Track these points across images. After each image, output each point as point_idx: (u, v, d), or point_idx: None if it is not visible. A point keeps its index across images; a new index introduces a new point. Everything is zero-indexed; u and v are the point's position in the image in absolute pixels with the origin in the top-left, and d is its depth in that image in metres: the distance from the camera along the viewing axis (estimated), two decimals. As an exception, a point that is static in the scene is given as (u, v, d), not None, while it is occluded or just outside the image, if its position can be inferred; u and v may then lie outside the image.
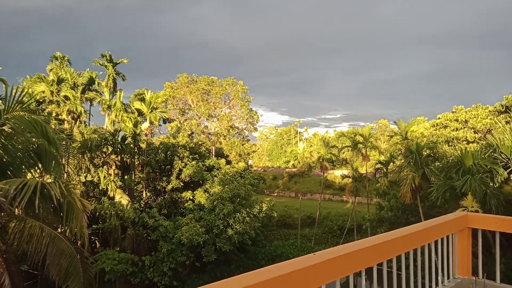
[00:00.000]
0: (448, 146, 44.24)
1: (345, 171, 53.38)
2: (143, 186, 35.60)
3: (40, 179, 10.76)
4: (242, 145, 63.56)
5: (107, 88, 39.32)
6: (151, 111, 35.42)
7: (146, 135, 37.06)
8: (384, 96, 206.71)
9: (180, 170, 34.01)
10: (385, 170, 39.61)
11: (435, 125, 51.75)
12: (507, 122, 30.80)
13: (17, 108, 10.82)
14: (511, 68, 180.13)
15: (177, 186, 33.51)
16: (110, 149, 33.73)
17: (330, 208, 49.92)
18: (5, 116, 10.56)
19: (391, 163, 39.23)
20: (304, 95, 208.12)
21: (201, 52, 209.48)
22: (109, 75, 39.45)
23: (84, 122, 41.14)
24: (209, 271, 29.66)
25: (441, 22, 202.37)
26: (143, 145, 36.75)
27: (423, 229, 3.51)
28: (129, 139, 34.95)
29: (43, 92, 35.12)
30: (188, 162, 34.39)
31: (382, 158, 43.66)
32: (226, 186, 31.58)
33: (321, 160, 44.70)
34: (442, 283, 3.86)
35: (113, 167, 34.07)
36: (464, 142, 45.27)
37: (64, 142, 14.60)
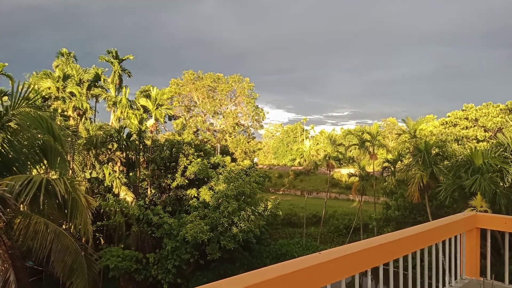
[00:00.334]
0: (458, 144, 43.91)
1: (352, 170, 53.18)
2: (148, 183, 35.73)
3: (45, 176, 10.79)
4: (248, 142, 63.59)
5: (113, 85, 39.45)
6: (157, 108, 35.49)
7: (151, 132, 37.15)
8: (392, 95, 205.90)
9: (185, 168, 34.07)
10: (392, 168, 39.37)
11: (445, 123, 51.34)
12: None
13: (23, 104, 10.86)
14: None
15: (182, 184, 33.58)
16: (115, 145, 33.88)
17: (336, 207, 49.81)
18: (11, 112, 10.60)
19: (399, 162, 39.00)
20: (310, 93, 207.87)
21: (205, 50, 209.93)
22: (115, 72, 39.57)
23: (90, 118, 41.35)
24: (213, 269, 29.71)
25: (446, 20, 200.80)
26: (148, 142, 36.85)
27: (431, 229, 3.45)
28: (135, 136, 35.07)
29: (49, 88, 35.30)
30: (193, 160, 34.44)
31: (389, 156, 43.40)
32: (231, 184, 31.58)
33: (327, 158, 44.58)
34: (449, 283, 3.80)
35: (118, 164, 34.23)
36: (474, 141, 44.87)
37: (69, 139, 14.62)
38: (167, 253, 28.74)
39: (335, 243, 40.82)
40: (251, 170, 38.21)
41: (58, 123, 21.55)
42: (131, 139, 34.64)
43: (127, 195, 32.33)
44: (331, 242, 41.32)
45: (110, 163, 34.08)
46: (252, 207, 31.71)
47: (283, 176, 74.01)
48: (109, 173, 32.41)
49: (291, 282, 1.99)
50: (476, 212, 4.20)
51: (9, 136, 10.77)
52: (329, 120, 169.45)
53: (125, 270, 27.80)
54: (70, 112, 35.98)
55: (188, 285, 28.84)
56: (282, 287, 1.94)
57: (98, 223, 29.63)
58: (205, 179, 34.03)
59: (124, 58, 40.29)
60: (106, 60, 39.89)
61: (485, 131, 46.36)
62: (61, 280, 11.13)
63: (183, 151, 35.10)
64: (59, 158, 11.65)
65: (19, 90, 10.79)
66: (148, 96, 37.94)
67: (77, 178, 25.18)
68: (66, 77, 36.74)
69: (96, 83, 41.11)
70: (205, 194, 32.03)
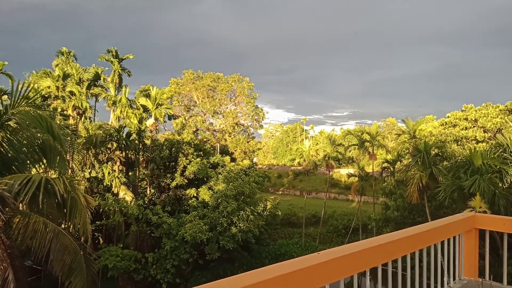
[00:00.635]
0: (457, 145, 43.96)
1: (351, 170, 53.20)
2: (147, 182, 35.71)
3: (45, 175, 10.78)
4: (247, 142, 63.57)
5: (113, 84, 39.44)
6: (156, 108, 35.47)
7: (151, 131, 37.13)
8: (392, 95, 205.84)
9: (185, 167, 34.06)
10: (392, 169, 39.41)
11: (444, 123, 51.37)
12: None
13: (23, 103, 10.86)
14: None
15: (181, 183, 33.56)
16: (115, 145, 33.87)
17: (336, 207, 49.83)
18: (11, 111, 10.60)
19: (398, 162, 39.05)
20: (309, 93, 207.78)
21: (205, 50, 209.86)
22: (114, 71, 39.56)
23: (89, 117, 41.34)
24: (212, 269, 29.71)
25: (447, 20, 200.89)
26: (148, 142, 36.83)
27: (430, 230, 3.46)
28: (134, 135, 35.05)
29: (49, 87, 35.30)
30: (193, 159, 34.43)
31: (389, 157, 43.43)
32: (231, 184, 31.57)
33: (327, 159, 44.60)
34: (448, 284, 3.81)
35: (118, 163, 34.21)
36: (473, 142, 44.90)
37: (69, 138, 14.62)
38: (166, 253, 28.73)
39: (334, 243, 40.83)
40: (251, 170, 38.20)
41: (58, 122, 21.54)
42: (131, 138, 34.63)
43: (126, 195, 32.31)
44: (330, 242, 41.33)
45: (109, 163, 34.07)
46: (251, 207, 31.71)
47: (283, 176, 74.01)
48: (109, 173, 32.38)
49: (290, 282, 1.99)
50: (475, 212, 4.21)
51: (8, 135, 10.77)
52: (329, 120, 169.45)
53: (124, 269, 27.79)
54: (69, 111, 35.97)
55: (187, 285, 28.83)
56: (282, 287, 1.94)
57: (97, 222, 29.62)
58: (205, 178, 34.02)
59: (124, 58, 40.28)
60: (106, 59, 39.87)
61: (484, 131, 46.40)
62: (60, 280, 11.14)
63: (183, 151, 35.08)
64: (58, 157, 11.65)
65: (19, 89, 10.79)
66: (147, 96, 37.91)
67: (76, 178, 25.14)
68: (66, 76, 36.73)
69: (96, 82, 41.08)
70: (204, 194, 32.02)
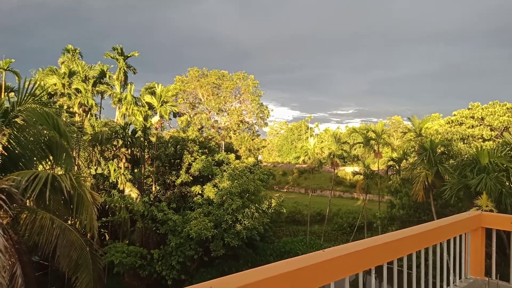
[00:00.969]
0: (463, 143, 43.68)
1: (357, 168, 53.06)
2: (153, 179, 35.86)
3: (51, 171, 10.87)
4: (252, 140, 63.58)
5: (118, 81, 39.61)
6: (162, 105, 35.57)
7: (156, 128, 37.26)
8: (397, 93, 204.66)
9: (190, 164, 34.14)
10: (397, 167, 39.24)
11: (450, 122, 51.04)
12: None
13: (30, 100, 10.94)
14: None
15: (187, 180, 33.66)
16: (121, 142, 34.03)
17: (340, 205, 49.72)
18: (18, 108, 10.68)
19: (404, 161, 38.86)
20: (314, 91, 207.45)
21: (209, 48, 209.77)
22: (120, 68, 39.72)
23: (95, 115, 41.59)
24: (217, 265, 29.80)
25: (451, 18, 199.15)
26: (153, 139, 36.97)
27: (436, 228, 3.44)
28: (139, 132, 35.19)
29: (55, 84, 35.51)
30: (198, 157, 34.49)
31: (394, 155, 43.24)
32: (235, 181, 31.60)
33: (332, 156, 44.50)
34: (453, 283, 3.79)
35: (123, 160, 34.39)
36: (480, 140, 44.56)
37: (75, 135, 14.71)
38: (171, 250, 28.86)
39: (339, 241, 40.76)
40: (255, 167, 38.20)
41: (64, 119, 21.68)
42: (136, 135, 34.78)
43: (132, 192, 32.49)
44: (335, 240, 41.27)
45: (115, 160, 34.25)
46: (256, 205, 31.74)
47: (287, 174, 73.95)
48: (114, 170, 32.57)
49: (295, 279, 1.99)
50: (482, 211, 4.18)
51: (15, 132, 10.86)
52: (334, 118, 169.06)
53: (129, 266, 27.97)
54: (75, 109, 36.21)
55: (192, 282, 28.93)
56: (286, 284, 1.95)
57: (103, 219, 29.80)
58: (210, 176, 34.09)
59: (129, 55, 40.42)
60: (111, 57, 40.05)
61: (491, 130, 46.03)
62: (66, 275, 11.24)
63: (188, 148, 35.16)
64: (64, 154, 11.73)
65: (26, 86, 10.87)
66: (153, 93, 38.04)
67: (82, 174, 25.33)
68: (71, 74, 36.94)
69: (102, 80, 41.30)
70: (209, 191, 32.09)
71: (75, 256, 10.22)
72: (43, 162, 12.10)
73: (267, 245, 34.95)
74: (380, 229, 37.10)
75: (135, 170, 37.19)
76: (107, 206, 30.08)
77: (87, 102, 36.23)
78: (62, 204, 10.97)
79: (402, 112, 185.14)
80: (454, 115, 51.43)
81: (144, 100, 37.69)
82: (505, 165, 20.99)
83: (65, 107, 34.54)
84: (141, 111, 35.58)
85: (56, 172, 11.66)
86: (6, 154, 10.78)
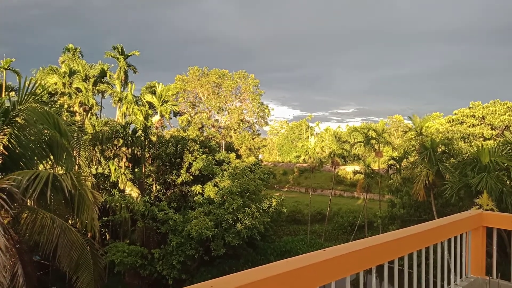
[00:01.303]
0: (464, 142, 43.62)
1: (357, 167, 53.05)
2: (153, 179, 35.87)
3: (52, 171, 10.87)
4: (253, 139, 63.55)
5: (119, 81, 39.60)
6: (162, 104, 35.56)
7: (156, 128, 37.27)
8: (398, 92, 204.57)
9: (190, 164, 34.15)
10: (398, 166, 39.21)
11: (451, 121, 51.02)
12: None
13: (30, 99, 10.93)
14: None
15: (187, 180, 33.66)
16: (121, 141, 34.04)
17: (341, 204, 49.73)
18: (18, 108, 10.67)
19: (405, 160, 38.84)
20: (315, 90, 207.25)
21: (210, 46, 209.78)
22: (120, 68, 39.70)
23: (96, 114, 41.61)
24: (218, 265, 29.82)
25: (453, 17, 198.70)
26: (154, 138, 36.98)
27: (436, 227, 3.44)
28: (140, 132, 35.19)
29: (55, 84, 35.52)
30: (198, 156, 34.50)
31: (395, 154, 43.20)
32: (236, 181, 31.60)
33: (332, 156, 44.48)
34: (454, 282, 3.79)
35: (124, 159, 34.38)
36: (481, 139, 44.52)
37: (75, 134, 14.70)
38: (172, 249, 28.89)
39: (339, 240, 40.77)
40: (256, 167, 38.19)
41: (64, 118, 21.65)
42: (137, 135, 34.78)
43: (132, 191, 32.50)
44: (335, 239, 41.28)
45: (115, 159, 34.24)
46: (257, 204, 31.74)
47: (288, 173, 73.96)
48: (115, 169, 32.58)
49: (295, 279, 1.99)
50: (482, 210, 4.17)
51: (16, 132, 10.86)
52: (334, 117, 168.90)
53: (130, 265, 28.01)
54: (76, 108, 36.22)
55: (192, 281, 28.94)
56: (287, 284, 1.95)
57: (104, 218, 29.80)
58: (210, 175, 34.09)
59: (129, 54, 40.40)
60: (112, 56, 40.03)
61: (492, 129, 46.01)
62: (67, 275, 11.25)
63: (188, 147, 35.16)
64: (65, 153, 11.74)
65: (26, 85, 10.86)
66: (153, 92, 38.03)
67: (83, 174, 25.32)
68: (72, 73, 36.94)
69: (102, 79, 41.30)
70: (210, 190, 32.10)
71: (76, 256, 10.23)
72: (43, 162, 12.11)
73: (267, 245, 34.96)
74: (380, 228, 37.11)
75: (136, 170, 37.20)
76: (107, 206, 30.11)
77: (88, 102, 36.24)
78: (63, 204, 10.98)
79: (403, 111, 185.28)
80: (455, 114, 51.40)
81: (144, 99, 37.69)
82: (506, 164, 20.99)
83: (66, 106, 34.54)
84: (141, 111, 35.58)
85: (56, 171, 11.66)
86: (6, 153, 10.78)
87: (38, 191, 9.04)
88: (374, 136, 41.81)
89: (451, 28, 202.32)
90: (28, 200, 10.18)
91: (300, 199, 53.54)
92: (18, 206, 9.95)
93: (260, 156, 71.18)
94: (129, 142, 33.78)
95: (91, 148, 32.35)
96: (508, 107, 46.12)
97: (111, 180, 32.52)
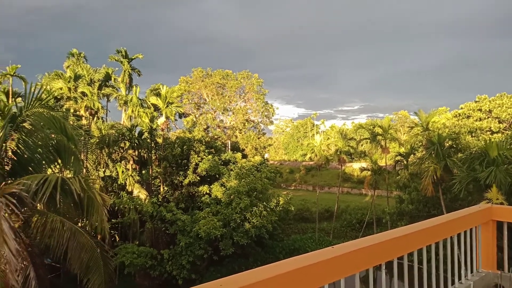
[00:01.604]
0: (471, 136, 43.28)
1: (364, 164, 52.81)
2: (161, 180, 36.05)
3: (60, 175, 10.97)
4: (258, 138, 63.53)
5: (123, 84, 39.83)
6: (167, 106, 35.71)
7: (162, 130, 37.44)
8: (403, 88, 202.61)
9: (197, 165, 34.27)
10: (405, 162, 38.97)
11: (458, 115, 50.61)
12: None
13: (37, 105, 11.04)
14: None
15: (194, 180, 33.79)
16: (128, 144, 34.24)
17: (349, 201, 49.54)
18: (25, 113, 10.79)
19: (412, 155, 38.59)
20: (319, 88, 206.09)
21: (211, 46, 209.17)
22: (124, 71, 39.92)
23: (102, 117, 41.89)
24: (227, 264, 29.90)
25: (457, 10, 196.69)
26: (160, 140, 37.15)
27: (446, 222, 3.41)
28: (146, 134, 35.37)
29: (61, 88, 35.83)
30: (204, 156, 34.60)
31: (402, 150, 42.96)
32: (243, 180, 31.65)
33: (338, 153, 44.32)
34: (465, 277, 3.76)
35: (131, 162, 34.60)
36: (488, 133, 44.13)
37: (82, 138, 14.84)
38: (181, 249, 29.02)
39: (348, 237, 40.60)
40: (262, 166, 38.21)
41: (71, 123, 21.83)
42: (143, 137, 34.97)
43: (140, 193, 32.69)
44: (344, 236, 41.13)
45: (123, 162, 34.47)
46: (264, 203, 31.76)
47: (294, 171, 73.84)
48: (122, 171, 32.80)
49: (304, 276, 1.99)
50: (492, 204, 4.14)
51: (24, 137, 10.98)
52: (340, 114, 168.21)
53: (140, 266, 28.18)
54: (82, 112, 36.49)
55: (202, 281, 28.96)
56: (296, 281, 1.94)
57: (113, 220, 30.03)
58: (217, 175, 34.18)
59: (133, 57, 40.60)
60: (116, 60, 40.26)
61: (499, 122, 45.57)
62: (78, 277, 11.35)
63: (194, 148, 35.28)
64: (73, 157, 11.84)
65: (32, 91, 10.98)
66: (158, 95, 38.20)
67: (91, 177, 25.53)
68: (77, 78, 37.24)
69: (107, 83, 41.56)
70: (217, 190, 32.18)
71: (86, 258, 10.33)
72: (52, 166, 12.22)
73: (276, 243, 34.96)
74: (389, 224, 36.92)
75: (143, 172, 37.40)
76: (116, 208, 30.32)
77: (94, 105, 36.49)
78: (72, 207, 11.08)
79: (409, 107, 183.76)
80: (461, 108, 50.97)
81: (149, 101, 37.87)
82: (514, 157, 20.81)
83: (72, 110, 34.85)
84: (147, 113, 35.76)
85: (65, 175, 11.77)
86: (15, 158, 10.91)
87: (47, 195, 9.14)
88: (380, 133, 41.59)
89: (456, 21, 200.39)
90: (38, 204, 10.28)
91: (308, 197, 53.40)
92: (28, 210, 10.07)
93: (266, 155, 71.17)
94: (135, 144, 33.97)
95: (98, 151, 32.60)
96: (515, 100, 45.68)
97: (119, 183, 32.75)
